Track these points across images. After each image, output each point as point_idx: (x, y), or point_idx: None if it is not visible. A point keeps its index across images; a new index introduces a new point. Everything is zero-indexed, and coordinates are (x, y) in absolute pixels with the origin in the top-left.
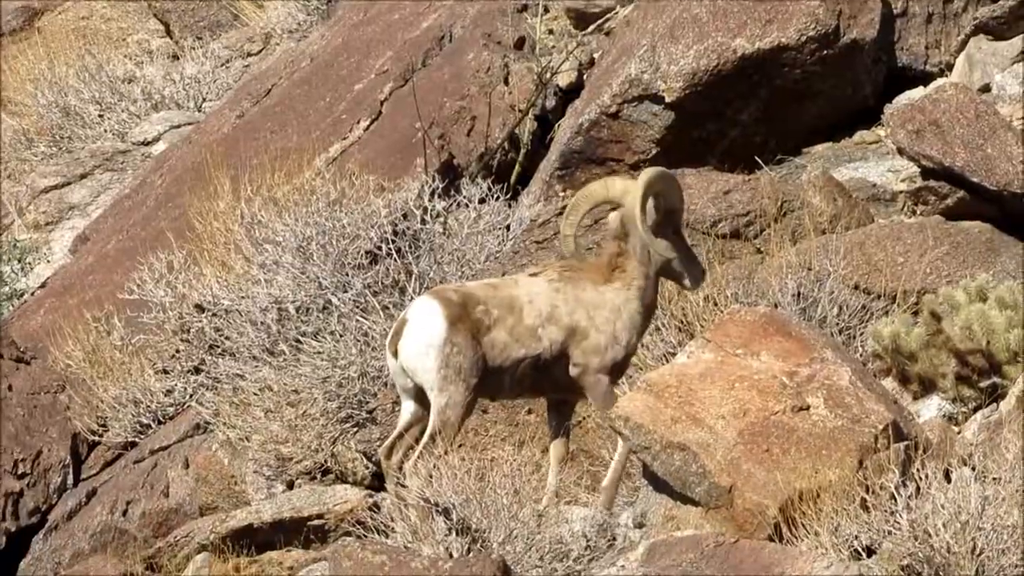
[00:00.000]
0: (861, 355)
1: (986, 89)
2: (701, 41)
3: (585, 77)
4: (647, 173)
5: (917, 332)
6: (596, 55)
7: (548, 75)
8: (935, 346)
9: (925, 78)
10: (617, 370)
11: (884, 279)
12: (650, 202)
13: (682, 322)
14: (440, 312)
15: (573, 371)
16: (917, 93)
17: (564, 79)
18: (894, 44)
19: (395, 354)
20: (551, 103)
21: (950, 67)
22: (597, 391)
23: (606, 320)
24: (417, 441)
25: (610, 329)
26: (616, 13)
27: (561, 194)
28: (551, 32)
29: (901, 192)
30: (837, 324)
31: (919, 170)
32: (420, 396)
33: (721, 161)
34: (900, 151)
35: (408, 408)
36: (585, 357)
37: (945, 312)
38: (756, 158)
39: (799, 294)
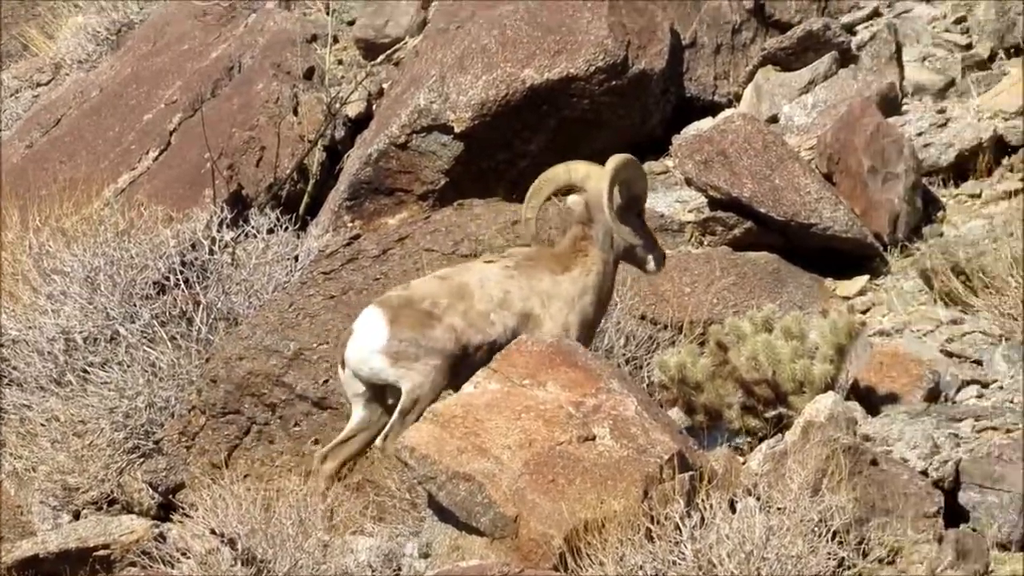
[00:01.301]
0: (647, 385)
1: (774, 120)
2: (490, 71)
3: (374, 107)
4: (615, 160)
5: (703, 362)
6: (385, 85)
7: (337, 105)
8: (721, 376)
9: (713, 108)
10: None
11: (671, 309)
12: (615, 188)
13: None
14: (380, 315)
15: None
16: (705, 124)
17: (353, 109)
18: (683, 75)
19: (342, 364)
20: (340, 133)
21: (738, 98)
22: None
23: (559, 310)
24: (363, 450)
25: (562, 319)
26: (405, 43)
27: (350, 224)
28: (340, 62)
29: (689, 223)
30: (624, 354)
31: (707, 200)
32: (371, 402)
33: (510, 191)
34: (688, 181)
35: (358, 415)
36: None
37: (731, 342)
38: None
39: None
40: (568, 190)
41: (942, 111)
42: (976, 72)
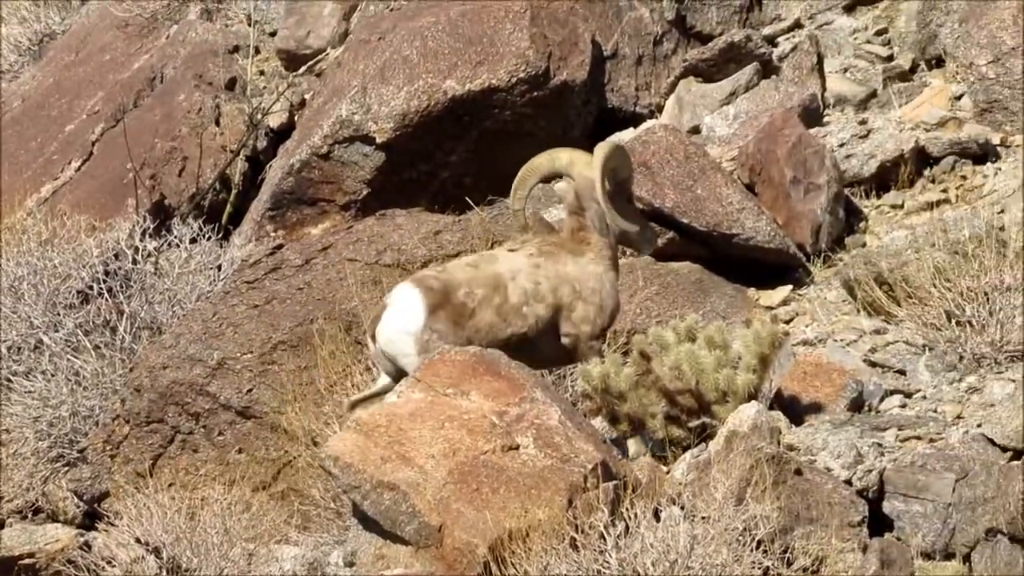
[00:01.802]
0: (571, 395)
1: (696, 131)
2: (412, 82)
3: (296, 118)
4: (602, 148)
5: (627, 372)
6: (307, 96)
7: (259, 116)
8: (644, 386)
9: (635, 119)
10: (604, 334)
11: None
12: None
13: None
14: (419, 299)
15: (565, 340)
16: (627, 135)
17: (275, 120)
18: (604, 86)
19: (373, 339)
20: (262, 144)
21: (660, 109)
22: (590, 356)
23: (592, 291)
24: None
25: (597, 300)
26: (327, 54)
27: (272, 234)
28: (262, 73)
29: None
30: None
31: None
32: (401, 375)
33: (432, 202)
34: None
35: (385, 379)
36: (576, 328)
37: (654, 352)
38: (467, 199)
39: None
40: (552, 178)
41: (864, 122)
42: (898, 83)
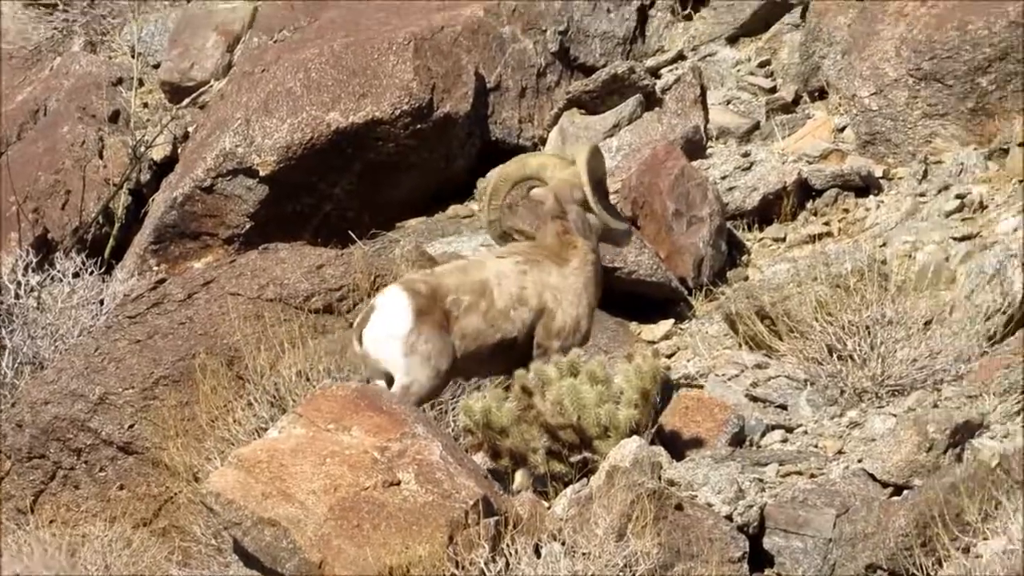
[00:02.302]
0: (453, 430)
1: None
2: (295, 115)
3: (180, 151)
4: (584, 149)
5: (508, 407)
6: (191, 129)
7: (143, 149)
8: (526, 421)
9: (519, 151)
10: (570, 348)
11: None
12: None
13: (274, 397)
14: (407, 303)
15: (536, 349)
16: None
17: (159, 153)
18: (488, 118)
19: (359, 341)
20: (146, 177)
21: (544, 141)
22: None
23: (570, 304)
24: None
25: (574, 313)
26: (211, 87)
27: (155, 268)
28: (146, 106)
29: None
30: None
31: None
32: (390, 378)
33: (315, 235)
34: None
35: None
36: (548, 340)
37: (536, 387)
38: (350, 232)
39: None
40: (522, 183)
41: (747, 154)
42: (780, 115)
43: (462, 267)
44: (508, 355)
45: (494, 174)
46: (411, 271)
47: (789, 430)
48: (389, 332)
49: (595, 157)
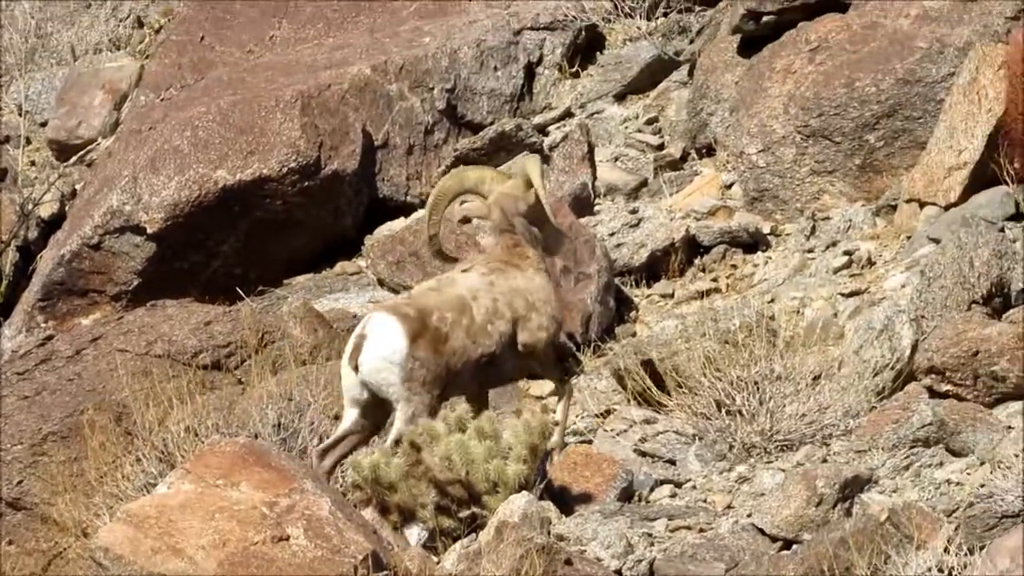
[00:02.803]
0: (341, 486)
1: (465, 220)
2: (182, 172)
3: (68, 208)
4: (534, 160)
5: (397, 463)
6: (78, 186)
7: (31, 206)
8: (415, 476)
9: (406, 209)
10: (553, 343)
11: None
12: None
13: (163, 452)
14: (399, 327)
15: (523, 350)
16: (398, 224)
17: (47, 210)
18: (376, 175)
19: (355, 369)
20: (34, 234)
21: None
22: (548, 362)
23: (543, 301)
24: (351, 450)
25: (548, 310)
26: (98, 144)
27: (43, 325)
28: (33, 163)
29: None
30: None
31: None
32: (367, 410)
33: (203, 292)
34: (380, 282)
35: (351, 417)
36: (534, 336)
37: (425, 443)
38: (237, 289)
39: (279, 424)
40: (459, 197)
41: (635, 211)
42: (668, 172)
43: (434, 286)
44: (489, 370)
45: (433, 190)
46: (298, 326)
47: (678, 485)
48: (388, 357)
49: (540, 166)
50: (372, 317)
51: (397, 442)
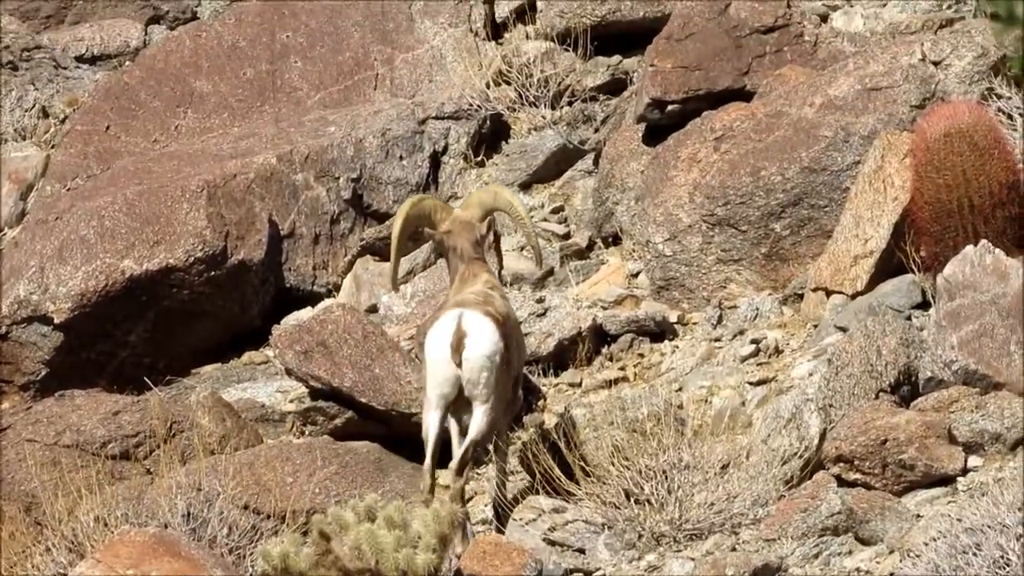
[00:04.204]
0: (251, 575)
1: (373, 309)
2: (89, 262)
3: None
4: (501, 189)
5: (306, 552)
6: None
7: None
8: (325, 566)
9: (313, 299)
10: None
11: (274, 499)
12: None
13: (73, 542)
14: (496, 330)
15: (515, 373)
16: (305, 314)
17: None
18: (282, 264)
19: (459, 364)
20: None
21: (338, 287)
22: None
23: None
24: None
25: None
26: (4, 234)
27: None
28: None
29: (290, 412)
30: (227, 544)
31: (308, 391)
32: (448, 408)
33: (111, 382)
34: (288, 372)
35: (439, 418)
36: (522, 356)
37: (334, 532)
38: (146, 379)
39: (189, 514)
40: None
41: (541, 300)
42: (575, 261)
43: (481, 299)
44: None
45: (392, 224)
46: (206, 416)
47: (588, 574)
48: (489, 357)
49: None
50: (465, 315)
51: (475, 445)
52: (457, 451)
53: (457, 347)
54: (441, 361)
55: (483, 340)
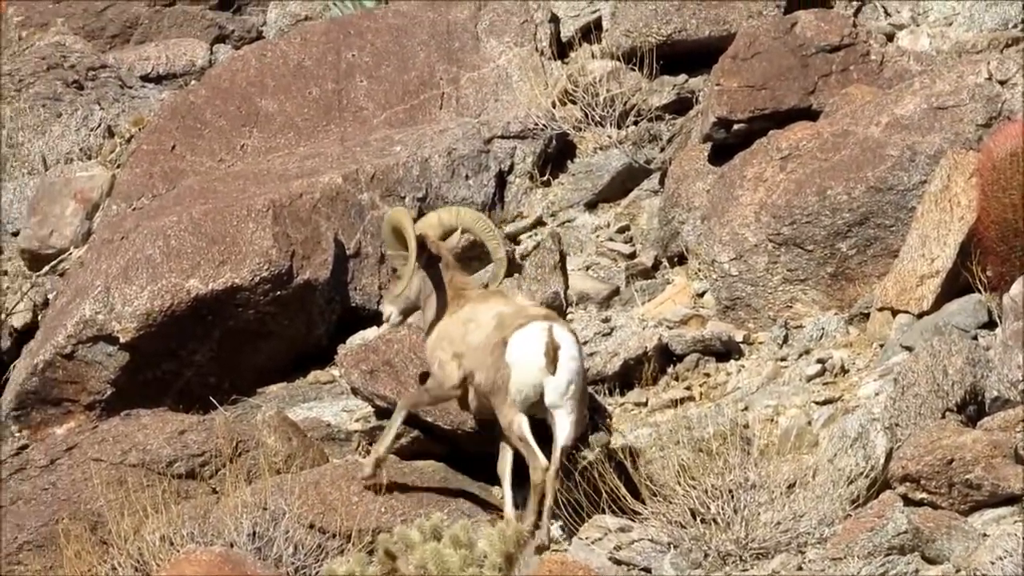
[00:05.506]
0: None
1: None
2: (155, 282)
3: (40, 318)
4: (463, 209)
5: (372, 571)
6: (51, 296)
7: (3, 316)
8: None
9: (378, 318)
10: None
11: (339, 518)
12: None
13: (138, 561)
14: (579, 344)
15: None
16: (371, 333)
17: (19, 320)
18: (348, 284)
19: (552, 371)
20: (6, 344)
21: None
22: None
23: None
24: None
25: None
26: (70, 254)
27: (17, 435)
28: (5, 273)
29: (356, 432)
30: (293, 563)
31: (373, 410)
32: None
33: (176, 401)
34: (354, 391)
35: (527, 420)
36: None
37: (400, 551)
38: (211, 398)
39: (255, 533)
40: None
41: (607, 320)
42: (640, 280)
43: (554, 314)
44: None
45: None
46: (272, 435)
47: None
48: (578, 371)
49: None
50: (556, 328)
51: (564, 452)
52: (555, 456)
53: (553, 357)
54: (533, 368)
55: (575, 353)
